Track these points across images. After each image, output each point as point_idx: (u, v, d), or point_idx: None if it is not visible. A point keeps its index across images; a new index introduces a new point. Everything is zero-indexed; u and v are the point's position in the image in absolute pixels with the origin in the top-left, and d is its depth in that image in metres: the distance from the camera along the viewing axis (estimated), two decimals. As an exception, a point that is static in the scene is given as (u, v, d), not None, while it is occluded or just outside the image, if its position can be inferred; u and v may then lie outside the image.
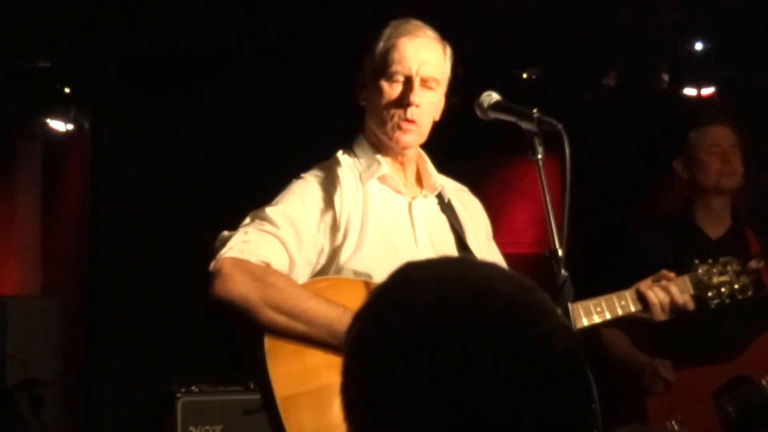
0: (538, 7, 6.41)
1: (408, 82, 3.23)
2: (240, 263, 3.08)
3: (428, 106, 3.26)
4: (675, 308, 3.61)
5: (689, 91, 6.87)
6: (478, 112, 3.16)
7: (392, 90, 3.24)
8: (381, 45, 3.28)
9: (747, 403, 4.58)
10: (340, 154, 3.36)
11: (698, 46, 6.64)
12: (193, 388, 6.06)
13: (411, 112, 3.22)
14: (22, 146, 8.68)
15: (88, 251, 8.10)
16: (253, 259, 3.09)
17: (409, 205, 3.35)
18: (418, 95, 3.22)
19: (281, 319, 3.04)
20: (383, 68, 3.25)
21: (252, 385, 5.91)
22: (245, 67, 7.51)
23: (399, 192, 3.34)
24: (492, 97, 3.13)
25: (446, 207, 3.43)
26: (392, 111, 3.24)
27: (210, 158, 7.94)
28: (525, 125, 2.99)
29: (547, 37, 6.98)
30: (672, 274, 3.67)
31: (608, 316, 3.53)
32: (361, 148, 3.37)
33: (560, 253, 2.89)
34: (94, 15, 6.78)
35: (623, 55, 6.96)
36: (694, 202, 4.89)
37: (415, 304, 1.37)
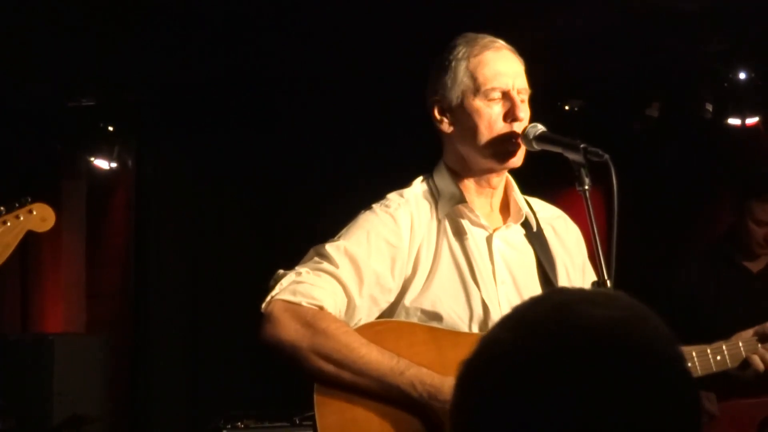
0: (580, 38, 6.40)
1: (507, 98, 3.05)
2: (290, 307, 2.94)
3: (527, 121, 3.07)
4: None
5: (733, 121, 6.83)
6: (524, 144, 3.04)
7: (491, 108, 3.04)
8: (462, 64, 3.07)
9: None
10: (418, 181, 3.19)
11: (742, 75, 6.61)
12: (239, 424, 6.05)
13: (519, 128, 3.04)
14: (66, 185, 8.73)
15: (133, 288, 8.13)
16: (305, 303, 2.94)
17: (489, 238, 3.13)
18: (523, 109, 3.05)
19: (330, 369, 2.90)
20: (476, 87, 3.05)
21: (298, 421, 5.90)
22: (290, 100, 7.53)
23: (479, 224, 3.13)
24: (538, 128, 3.02)
25: (535, 237, 3.19)
26: (497, 131, 3.05)
27: (255, 194, 7.95)
28: (572, 156, 2.91)
29: (590, 69, 6.97)
30: None
31: (700, 373, 3.21)
32: (441, 176, 3.17)
33: (609, 284, 2.82)
34: (137, 53, 6.83)
35: (666, 85, 6.93)
36: (736, 236, 4.85)
37: (528, 326, 1.36)
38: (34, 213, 4.26)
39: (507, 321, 1.41)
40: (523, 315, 1.40)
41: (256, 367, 7.04)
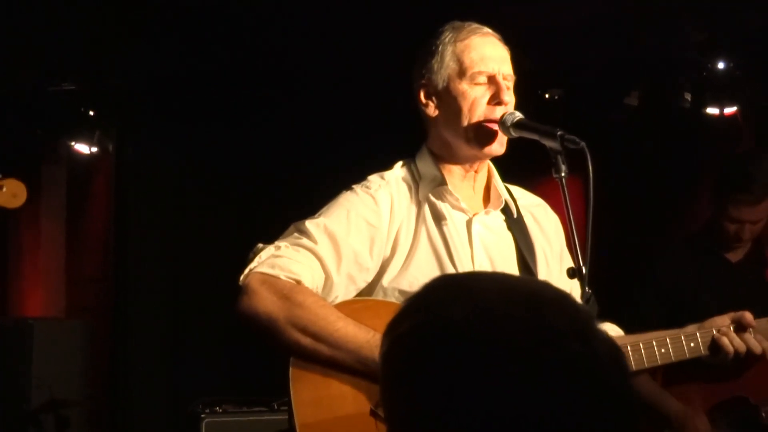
0: (560, 28, 6.42)
1: (492, 82, 3.08)
2: (268, 279, 2.95)
3: (512, 106, 3.09)
4: (750, 357, 3.25)
5: (712, 111, 6.85)
6: (501, 131, 3.06)
7: (475, 92, 3.07)
8: (449, 48, 3.10)
9: (742, 425, 4.48)
10: (398, 165, 3.22)
11: (721, 65, 6.63)
12: (218, 408, 6.07)
13: (503, 113, 3.06)
14: (46, 169, 8.72)
15: (113, 273, 8.12)
16: (283, 276, 2.96)
17: (469, 222, 3.15)
18: (508, 94, 3.07)
19: (306, 341, 2.90)
20: (462, 70, 3.08)
21: (276, 406, 5.92)
22: (272, 89, 7.54)
23: (459, 208, 3.15)
24: (515, 115, 3.04)
25: (515, 224, 3.21)
26: (480, 114, 3.07)
27: (235, 180, 7.96)
28: (548, 143, 2.93)
29: (570, 58, 6.99)
30: (751, 316, 3.27)
31: (673, 358, 3.23)
32: (423, 160, 3.19)
33: (584, 270, 2.84)
34: (118, 38, 6.82)
35: (645, 74, 6.95)
36: (715, 226, 4.86)
37: (481, 304, 1.40)
38: (5, 189, 4.23)
39: (449, 296, 1.44)
40: (465, 293, 1.43)
41: (236, 353, 7.05)
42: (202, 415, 6.01)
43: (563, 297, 1.44)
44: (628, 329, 3.37)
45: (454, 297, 1.43)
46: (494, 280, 1.48)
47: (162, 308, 7.98)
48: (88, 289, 8.48)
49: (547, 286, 1.47)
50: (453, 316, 1.39)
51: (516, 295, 1.41)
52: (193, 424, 6.00)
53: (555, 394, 1.34)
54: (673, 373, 4.46)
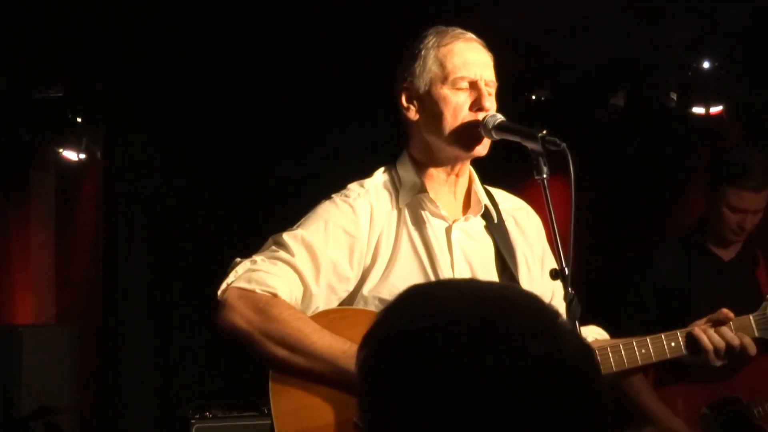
0: (546, 28, 6.43)
1: (474, 88, 3.06)
2: (245, 294, 2.96)
3: (494, 112, 3.07)
4: (731, 353, 3.24)
5: (698, 110, 6.86)
6: (483, 133, 3.04)
7: (457, 97, 3.06)
8: (432, 52, 3.10)
9: (734, 424, 4.49)
10: (379, 172, 3.21)
11: (706, 64, 6.64)
12: (207, 413, 6.08)
13: (484, 117, 3.03)
14: (35, 176, 8.72)
15: (102, 280, 8.12)
16: (259, 290, 2.96)
17: (448, 229, 3.14)
18: (489, 100, 3.06)
19: (283, 354, 2.91)
20: (444, 75, 3.07)
21: (265, 410, 5.91)
22: (259, 91, 7.54)
23: (438, 215, 3.14)
24: (497, 117, 3.02)
25: (495, 228, 3.20)
26: (462, 119, 3.06)
27: (223, 185, 7.96)
28: (530, 145, 2.92)
29: (556, 59, 6.99)
30: (731, 314, 3.28)
31: (654, 359, 3.23)
32: (404, 166, 3.18)
33: (567, 271, 2.82)
34: (106, 44, 6.82)
35: (631, 74, 6.96)
36: (707, 224, 4.84)
37: (445, 311, 1.42)
38: None
39: (414, 308, 1.47)
40: (430, 304, 1.45)
41: (225, 358, 7.05)
42: (192, 420, 6.02)
43: (529, 299, 1.46)
44: (626, 328, 3.37)
45: (419, 306, 1.45)
46: (459, 287, 1.50)
47: (151, 314, 7.97)
48: (77, 295, 8.48)
49: (513, 290, 1.49)
50: (417, 326, 1.41)
51: (479, 300, 1.43)
52: (183, 428, 6.01)
53: (519, 395, 1.35)
54: (665, 375, 4.47)
